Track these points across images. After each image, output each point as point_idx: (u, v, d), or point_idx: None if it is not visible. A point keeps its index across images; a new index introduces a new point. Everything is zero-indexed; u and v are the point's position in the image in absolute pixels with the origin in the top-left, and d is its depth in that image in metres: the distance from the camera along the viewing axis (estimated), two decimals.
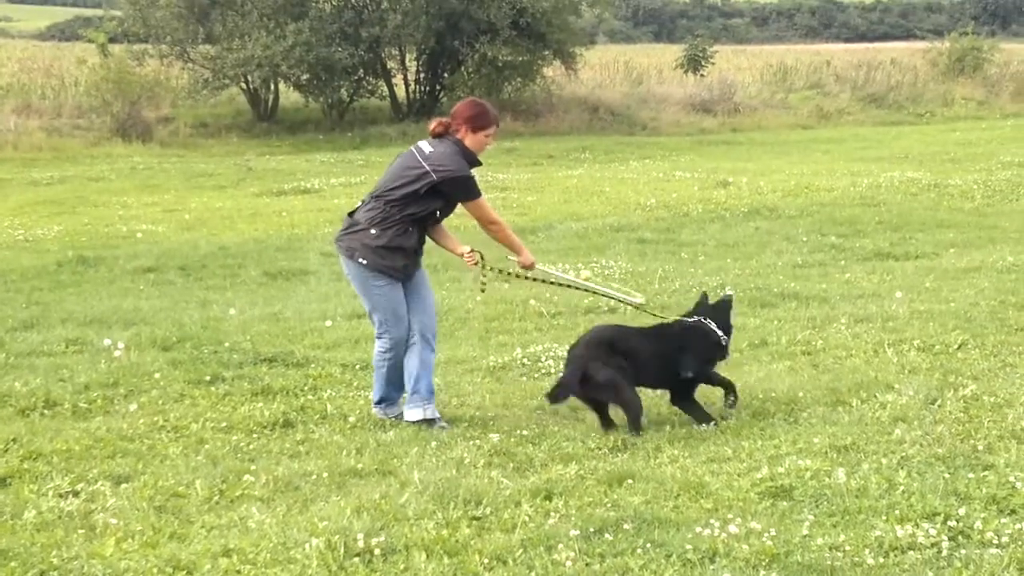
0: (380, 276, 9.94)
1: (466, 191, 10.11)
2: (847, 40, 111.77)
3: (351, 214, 10.17)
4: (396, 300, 10.02)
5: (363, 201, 10.16)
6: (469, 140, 10.05)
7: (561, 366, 11.63)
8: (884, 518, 7.61)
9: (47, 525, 7.88)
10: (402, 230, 9.87)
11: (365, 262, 9.90)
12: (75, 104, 41.53)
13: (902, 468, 8.51)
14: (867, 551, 7.13)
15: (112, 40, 46.86)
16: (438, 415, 10.15)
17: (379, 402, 10.33)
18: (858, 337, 12.76)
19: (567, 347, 12.05)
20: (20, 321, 14.11)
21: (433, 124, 10.17)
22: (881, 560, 7.04)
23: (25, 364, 12.19)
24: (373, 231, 9.88)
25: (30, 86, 44.42)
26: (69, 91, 43.43)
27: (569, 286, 11.56)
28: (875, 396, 10.37)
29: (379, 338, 10.18)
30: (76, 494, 8.44)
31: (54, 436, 9.72)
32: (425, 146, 9.99)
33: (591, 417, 10.05)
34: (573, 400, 10.51)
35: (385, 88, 44.97)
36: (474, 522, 7.77)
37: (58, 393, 10.97)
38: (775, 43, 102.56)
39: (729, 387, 10.26)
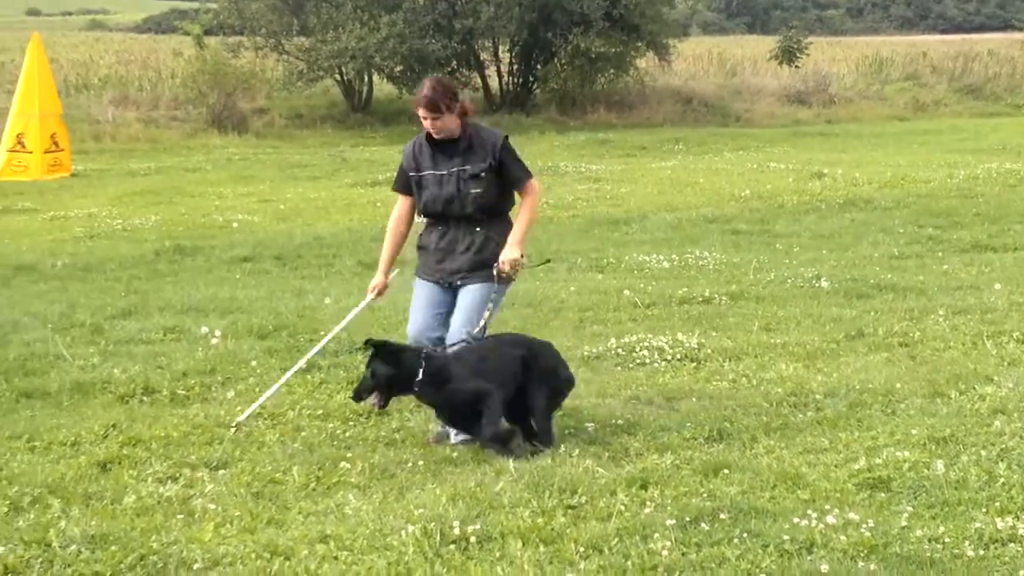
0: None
1: None
2: (943, 31, 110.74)
3: None
4: (414, 299, 9.80)
5: None
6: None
7: (656, 356, 11.65)
8: (984, 510, 7.53)
9: (146, 510, 7.95)
10: (424, 228, 9.82)
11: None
12: (171, 96, 41.94)
13: (1002, 460, 8.42)
14: (967, 543, 7.06)
15: (208, 32, 47.33)
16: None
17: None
18: (956, 329, 12.63)
19: (661, 337, 12.07)
20: (119, 309, 14.24)
21: None
22: (981, 552, 6.96)
23: (124, 352, 12.30)
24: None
25: (127, 78, 44.90)
26: (166, 83, 43.87)
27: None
28: (974, 388, 10.27)
29: None
30: (175, 480, 8.52)
31: (153, 422, 9.81)
32: None
33: (686, 406, 10.02)
34: (670, 391, 10.50)
35: (478, 80, 45.05)
36: (569, 511, 7.75)
37: (156, 380, 11.07)
38: (870, 34, 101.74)
39: None
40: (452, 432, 9.47)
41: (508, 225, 9.62)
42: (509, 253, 9.35)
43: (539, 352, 9.41)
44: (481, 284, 9.48)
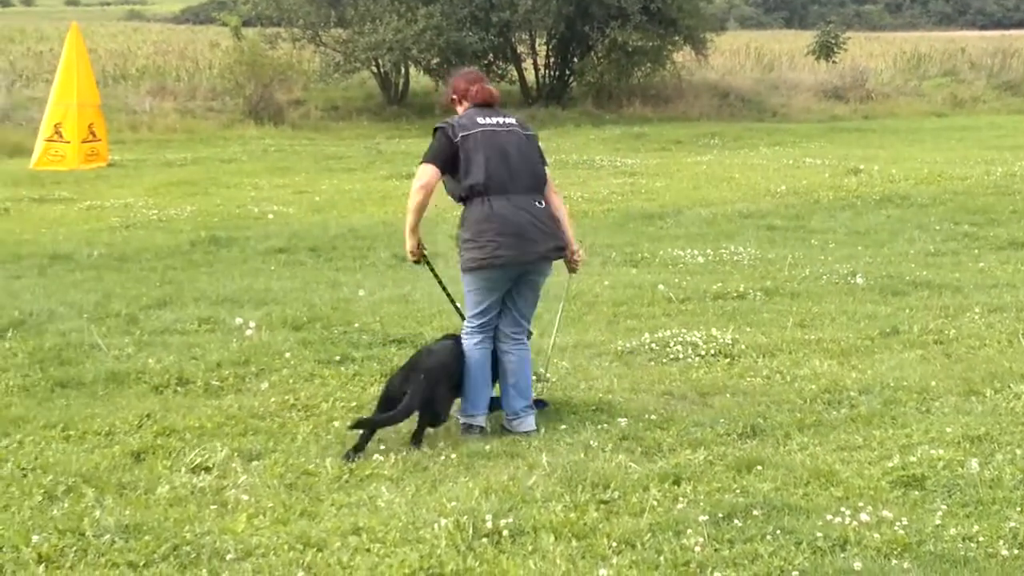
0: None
1: None
2: (982, 27, 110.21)
3: None
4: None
5: None
6: (460, 111, 9.71)
7: (691, 351, 11.63)
8: (1019, 509, 7.51)
9: (180, 500, 7.98)
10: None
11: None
12: (208, 86, 42.06)
13: None
14: (1001, 542, 7.04)
15: (245, 24, 47.46)
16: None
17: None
18: (992, 327, 12.58)
19: (695, 333, 12.06)
20: (154, 299, 14.28)
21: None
22: (1016, 552, 6.94)
23: (159, 342, 12.34)
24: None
25: (165, 68, 45.05)
26: (203, 74, 43.99)
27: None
28: (1009, 387, 10.22)
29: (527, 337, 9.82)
30: (208, 470, 8.55)
31: (187, 413, 9.85)
32: None
33: (719, 402, 10.01)
34: (703, 386, 10.48)
35: (515, 72, 45.05)
36: (602, 505, 7.76)
37: (191, 371, 11.10)
38: (908, 30, 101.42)
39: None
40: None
41: None
42: None
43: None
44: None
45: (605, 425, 9.52)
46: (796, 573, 6.70)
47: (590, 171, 28.04)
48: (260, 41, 42.64)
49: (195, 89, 41.91)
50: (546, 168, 9.64)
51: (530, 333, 9.81)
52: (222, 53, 44.35)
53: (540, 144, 9.73)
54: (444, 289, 10.34)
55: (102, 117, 31.06)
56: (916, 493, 7.88)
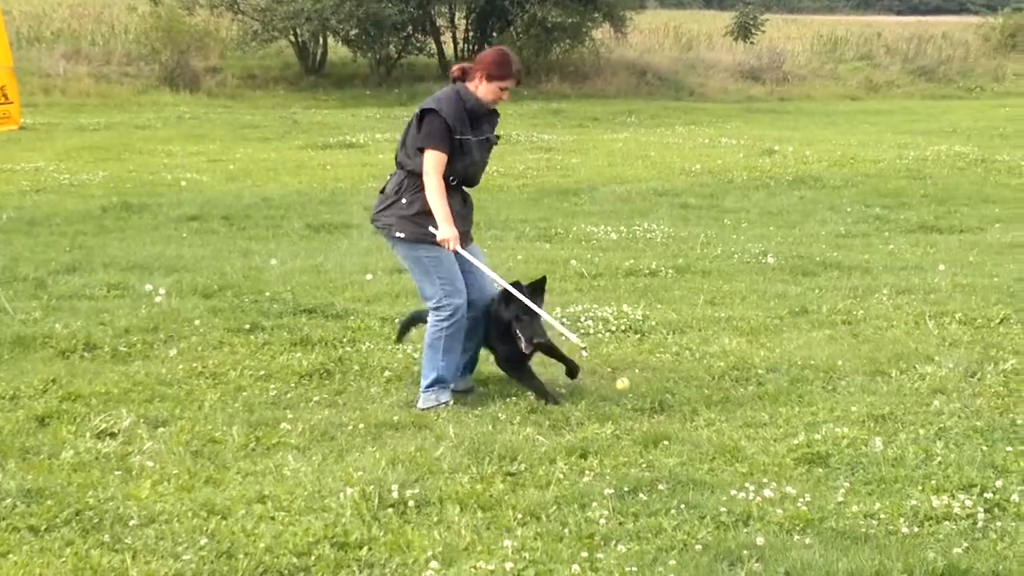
0: (422, 246, 9.32)
1: (421, 127, 9.22)
2: (899, 12, 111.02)
3: (382, 190, 9.59)
4: (449, 266, 9.35)
5: (390, 176, 9.62)
6: (482, 89, 9.34)
7: (601, 326, 11.67)
8: (920, 488, 7.59)
9: (84, 466, 7.93)
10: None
11: (403, 235, 9.33)
12: (124, 51, 41.70)
13: (939, 439, 8.49)
14: (902, 520, 7.12)
15: None
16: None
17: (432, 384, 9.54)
18: (899, 308, 12.69)
19: (606, 308, 12.10)
20: (63, 264, 14.16)
21: (454, 69, 9.59)
22: (916, 529, 7.02)
23: (67, 307, 12.25)
24: (404, 200, 9.33)
25: (80, 32, 44.58)
26: (119, 38, 43.59)
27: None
28: (915, 367, 10.32)
29: (435, 311, 9.44)
30: (113, 436, 8.49)
31: (93, 378, 9.78)
32: None
33: (628, 377, 10.01)
34: (613, 361, 10.54)
35: (433, 45, 44.92)
36: (508, 477, 7.78)
37: (98, 336, 11.02)
38: (826, 13, 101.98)
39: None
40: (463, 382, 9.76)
41: None
42: None
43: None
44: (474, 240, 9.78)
45: (513, 398, 9.54)
46: (699, 547, 6.74)
47: (507, 146, 28.01)
48: (177, 7, 42.28)
49: (110, 54, 41.52)
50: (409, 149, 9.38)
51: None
52: (138, 18, 43.94)
53: (416, 123, 9.38)
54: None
55: (15, 80, 30.46)
56: (820, 470, 7.95)
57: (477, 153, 9.37)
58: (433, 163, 9.13)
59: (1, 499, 7.22)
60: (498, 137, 9.74)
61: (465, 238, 9.49)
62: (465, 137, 9.25)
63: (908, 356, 10.67)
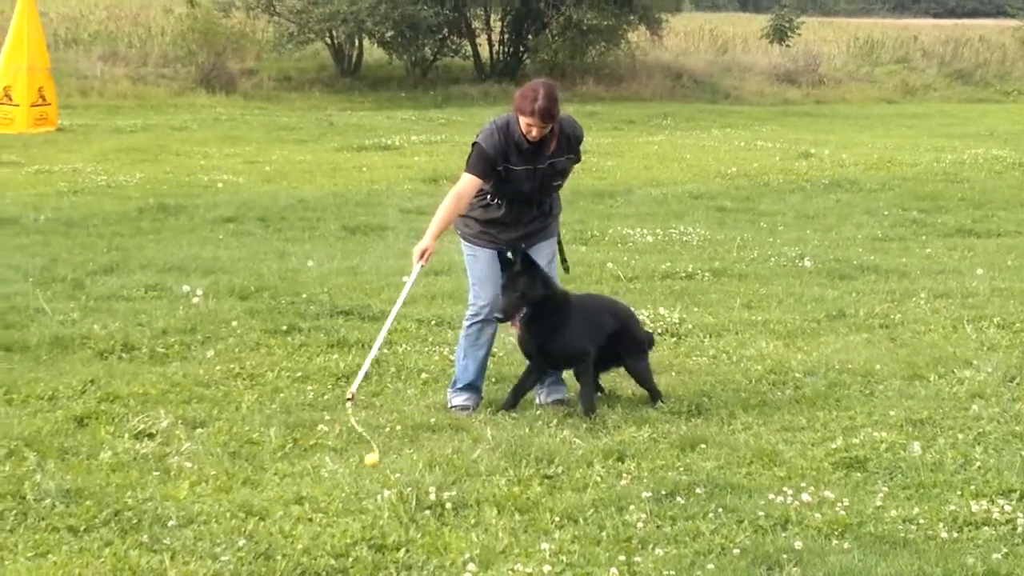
0: (467, 245, 9.64)
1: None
2: (936, 15, 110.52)
3: None
4: (483, 267, 9.50)
5: None
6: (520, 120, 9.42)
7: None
8: (959, 493, 7.58)
9: (122, 466, 7.96)
10: (484, 202, 9.54)
11: (458, 231, 9.65)
12: (161, 53, 41.76)
13: (978, 444, 8.48)
14: (941, 525, 7.10)
15: None
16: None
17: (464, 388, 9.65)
18: (937, 312, 12.65)
19: (642, 311, 12.07)
20: (101, 265, 14.21)
21: None
22: (955, 534, 7.00)
23: (104, 308, 12.29)
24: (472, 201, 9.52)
25: (117, 34, 44.66)
26: (155, 40, 43.65)
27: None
28: (953, 372, 10.30)
29: (469, 309, 9.71)
30: (152, 437, 8.52)
31: (131, 379, 9.82)
32: None
33: (665, 381, 10.02)
34: (652, 365, 10.50)
35: (469, 48, 44.90)
36: (546, 480, 7.80)
37: (136, 337, 11.05)
38: (862, 16, 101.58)
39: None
40: (543, 393, 9.66)
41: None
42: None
43: (626, 319, 9.79)
44: (548, 241, 9.71)
45: (551, 401, 9.54)
46: (737, 551, 6.74)
47: None
48: (214, 9, 42.31)
49: (147, 56, 41.62)
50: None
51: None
52: (175, 20, 43.99)
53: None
54: None
55: (52, 81, 30.81)
56: (858, 475, 7.94)
57: (526, 182, 9.38)
58: (461, 183, 9.36)
59: (40, 499, 7.25)
60: (572, 159, 9.71)
61: (515, 242, 9.47)
62: (509, 166, 9.31)
63: (946, 360, 10.64)
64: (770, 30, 55.41)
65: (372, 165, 24.76)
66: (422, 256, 9.31)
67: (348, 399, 9.12)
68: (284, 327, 11.56)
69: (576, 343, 9.34)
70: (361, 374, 9.35)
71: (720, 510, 7.23)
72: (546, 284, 9.24)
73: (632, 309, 10.13)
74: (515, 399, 9.46)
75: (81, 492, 7.37)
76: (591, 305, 9.78)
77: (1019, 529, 7.08)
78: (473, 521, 7.13)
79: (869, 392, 9.85)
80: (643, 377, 9.67)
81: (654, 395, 9.59)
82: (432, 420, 9.00)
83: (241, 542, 6.78)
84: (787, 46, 53.52)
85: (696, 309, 12.71)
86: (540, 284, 9.18)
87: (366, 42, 43.42)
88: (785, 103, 44.44)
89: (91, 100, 36.28)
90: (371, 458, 8.21)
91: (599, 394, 9.74)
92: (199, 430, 8.69)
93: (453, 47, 44.31)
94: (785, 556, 6.67)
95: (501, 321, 9.36)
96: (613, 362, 9.75)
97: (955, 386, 9.91)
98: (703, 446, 8.42)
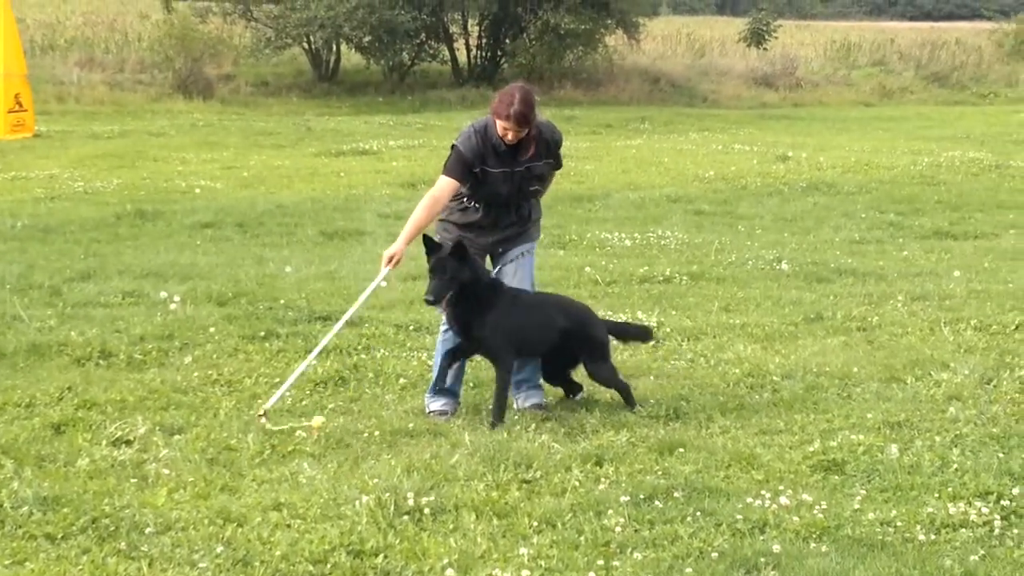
0: None
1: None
2: (912, 18, 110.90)
3: None
4: None
5: None
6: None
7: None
8: (936, 495, 7.60)
9: (100, 473, 7.94)
10: (462, 205, 9.61)
11: (438, 237, 9.56)
12: (138, 59, 41.74)
13: (956, 446, 8.50)
14: (918, 527, 7.13)
15: None
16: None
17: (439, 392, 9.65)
18: (914, 315, 12.68)
19: (621, 315, 12.08)
20: (77, 272, 14.17)
21: None
22: (932, 536, 7.03)
23: (81, 314, 12.25)
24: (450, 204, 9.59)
25: (94, 40, 44.64)
26: (132, 46, 43.64)
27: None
28: (930, 374, 10.33)
29: None
30: (129, 443, 8.50)
31: (108, 386, 9.79)
32: None
33: (643, 385, 10.04)
34: (627, 368, 10.51)
35: (446, 52, 44.92)
36: (524, 485, 7.80)
37: (113, 344, 11.02)
38: (839, 19, 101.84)
39: None
40: (520, 398, 9.64)
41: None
42: None
43: (581, 318, 9.68)
44: (525, 245, 9.74)
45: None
46: (715, 554, 6.75)
47: None
48: (191, 14, 42.29)
49: (124, 61, 41.59)
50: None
51: None
52: (152, 26, 44.01)
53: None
54: None
55: (28, 87, 30.73)
56: (836, 478, 7.96)
57: (503, 184, 9.43)
58: (437, 185, 9.43)
59: (18, 507, 7.23)
60: (551, 164, 9.77)
61: (491, 247, 9.61)
62: (486, 168, 9.35)
63: (923, 363, 10.67)
64: (747, 33, 55.66)
65: (350, 170, 24.75)
66: (390, 261, 9.33)
67: (260, 415, 9.01)
68: (262, 333, 11.54)
69: (500, 340, 9.21)
70: (284, 388, 9.38)
71: (698, 514, 7.25)
72: (474, 269, 9.17)
73: (591, 310, 10.04)
74: (443, 375, 9.46)
75: (58, 499, 7.35)
76: (541, 302, 9.71)
77: (996, 531, 7.11)
78: (451, 526, 7.14)
79: (846, 395, 9.88)
80: (604, 378, 9.60)
81: (623, 395, 9.55)
82: (410, 425, 9.00)
83: (219, 549, 6.78)
84: (764, 49, 53.73)
85: (674, 313, 12.72)
86: (468, 268, 9.09)
87: (344, 47, 43.42)
88: (763, 106, 44.56)
89: (68, 106, 36.22)
90: (317, 420, 8.25)
91: (578, 395, 9.75)
92: (177, 437, 8.67)
93: (431, 52, 44.34)
94: (763, 559, 6.68)
95: (430, 304, 9.32)
96: (572, 363, 9.70)
97: (932, 388, 9.94)
98: (681, 450, 8.43)
